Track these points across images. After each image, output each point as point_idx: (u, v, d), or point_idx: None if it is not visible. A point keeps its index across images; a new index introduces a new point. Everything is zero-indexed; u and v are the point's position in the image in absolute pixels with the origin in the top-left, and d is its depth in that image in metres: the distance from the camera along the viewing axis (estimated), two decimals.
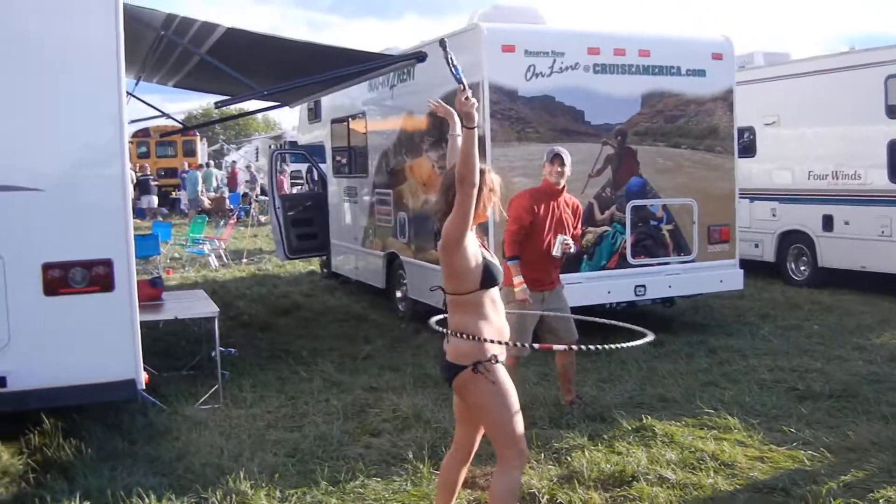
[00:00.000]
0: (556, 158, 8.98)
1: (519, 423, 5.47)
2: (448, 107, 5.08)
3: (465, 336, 5.32)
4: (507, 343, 5.49)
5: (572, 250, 9.04)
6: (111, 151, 7.72)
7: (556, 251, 8.90)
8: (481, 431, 5.81)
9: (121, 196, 7.73)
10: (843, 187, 16.14)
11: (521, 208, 8.91)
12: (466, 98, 5.04)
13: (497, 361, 5.39)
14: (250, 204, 38.12)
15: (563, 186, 9.13)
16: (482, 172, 5.32)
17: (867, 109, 15.58)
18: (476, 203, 5.23)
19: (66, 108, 7.64)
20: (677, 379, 10.24)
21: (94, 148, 7.79)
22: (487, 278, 5.39)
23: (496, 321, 5.49)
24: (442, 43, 5.20)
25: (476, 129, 5.12)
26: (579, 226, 9.46)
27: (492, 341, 5.33)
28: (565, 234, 8.99)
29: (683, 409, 9.09)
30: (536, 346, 6.40)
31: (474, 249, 5.35)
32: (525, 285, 8.80)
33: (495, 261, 5.51)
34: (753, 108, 17.02)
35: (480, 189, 5.27)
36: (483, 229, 10.73)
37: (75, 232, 7.64)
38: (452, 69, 5.07)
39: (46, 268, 7.53)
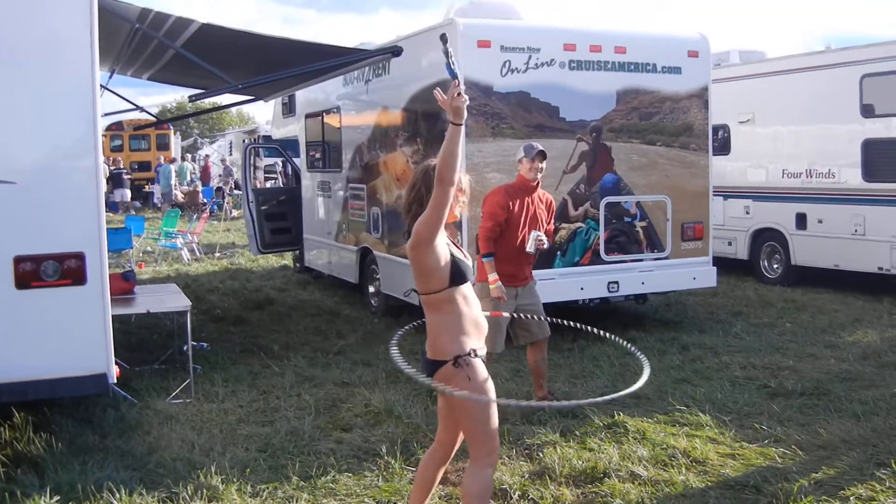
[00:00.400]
0: (539, 155, 8.96)
1: (494, 421, 5.47)
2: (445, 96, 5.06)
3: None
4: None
5: (546, 246, 9.04)
6: (84, 144, 7.65)
7: (529, 247, 8.89)
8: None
9: (94, 189, 7.67)
10: (816, 186, 16.21)
11: (495, 205, 8.90)
12: (459, 94, 5.02)
13: (476, 356, 5.39)
14: (223, 198, 38.00)
15: (538, 182, 9.13)
16: None
17: (842, 108, 15.65)
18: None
19: (39, 100, 7.56)
20: (649, 376, 10.23)
21: (67, 140, 7.71)
22: (456, 275, 5.37)
23: (471, 316, 5.47)
24: (443, 37, 5.16)
25: (463, 127, 5.11)
26: (552, 221, 9.46)
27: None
28: (539, 230, 8.99)
29: (655, 406, 9.11)
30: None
31: (443, 248, 5.34)
32: (500, 282, 8.80)
33: (465, 258, 5.50)
34: (728, 106, 17.09)
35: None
36: (456, 226, 10.73)
37: (47, 225, 7.57)
38: (450, 63, 5.06)
39: (18, 261, 7.46)
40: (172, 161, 42.78)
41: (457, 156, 5.08)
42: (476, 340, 5.43)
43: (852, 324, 13.30)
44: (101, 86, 13.12)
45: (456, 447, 5.93)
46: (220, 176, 44.24)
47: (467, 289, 5.48)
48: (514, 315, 8.64)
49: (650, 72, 12.55)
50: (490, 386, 5.44)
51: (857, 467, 7.29)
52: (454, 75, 5.02)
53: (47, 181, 7.59)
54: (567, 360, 11.06)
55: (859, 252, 15.43)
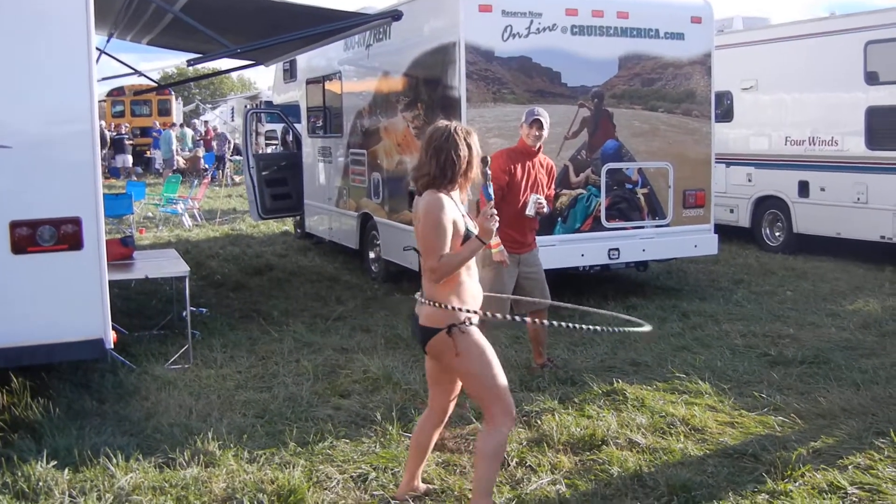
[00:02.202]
0: (535, 123, 8.91)
1: (502, 381, 5.49)
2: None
3: (437, 304, 5.30)
4: (489, 315, 5.48)
5: (546, 210, 8.99)
6: (80, 108, 7.59)
7: (529, 210, 8.84)
8: (455, 394, 5.83)
9: (90, 153, 7.61)
10: (819, 153, 16.14)
11: (497, 169, 8.83)
12: (491, 215, 5.25)
13: (471, 323, 5.37)
14: (223, 165, 37.93)
15: (540, 147, 9.09)
16: (469, 147, 5.40)
17: (846, 76, 15.57)
18: (463, 180, 5.42)
19: (34, 63, 7.49)
20: (649, 343, 10.23)
21: (63, 104, 7.64)
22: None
23: (470, 286, 5.48)
24: (484, 160, 5.42)
25: (483, 246, 5.39)
26: (552, 187, 9.41)
27: (467, 310, 5.34)
28: (540, 194, 8.94)
29: (655, 374, 9.09)
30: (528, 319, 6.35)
31: (451, 224, 5.33)
32: (502, 246, 8.75)
33: (475, 229, 5.46)
34: (731, 73, 16.98)
35: (468, 167, 5.41)
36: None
37: (44, 190, 7.53)
38: (487, 185, 5.40)
39: (14, 226, 7.43)
40: (172, 126, 42.59)
41: (459, 267, 5.32)
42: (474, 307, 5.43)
43: (853, 292, 13.26)
44: (99, 50, 13.05)
45: (449, 412, 5.99)
46: (215, 143, 43.76)
47: (472, 260, 5.46)
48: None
49: (653, 37, 12.46)
50: (489, 353, 5.43)
51: (855, 436, 7.26)
52: (489, 197, 5.32)
53: (43, 145, 7.54)
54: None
55: (861, 220, 15.38)
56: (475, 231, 5.40)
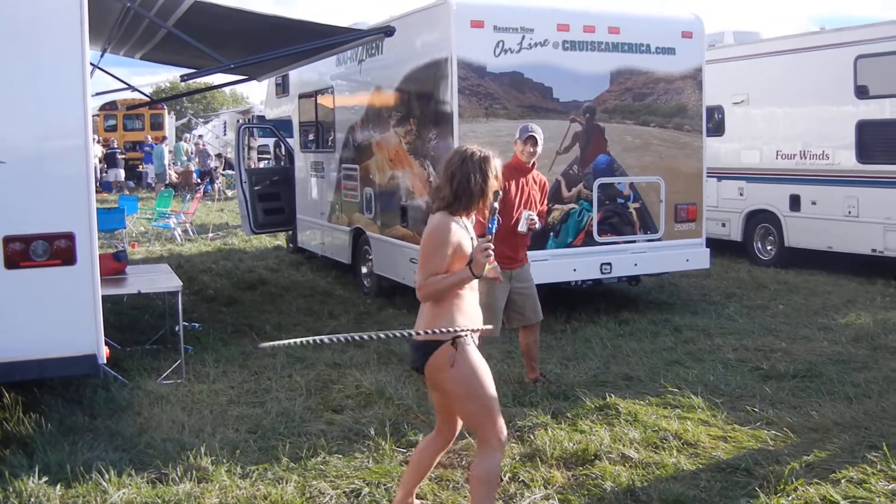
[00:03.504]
0: (530, 139, 8.94)
1: (492, 405, 5.47)
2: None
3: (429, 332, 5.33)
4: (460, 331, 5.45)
5: (538, 226, 9.01)
6: (74, 123, 7.60)
7: (521, 227, 8.85)
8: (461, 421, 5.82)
9: (83, 169, 7.62)
10: (810, 167, 16.19)
11: None
12: (486, 249, 5.22)
13: (472, 341, 5.44)
14: (211, 181, 37.93)
15: (534, 164, 9.11)
16: (484, 175, 5.42)
17: (836, 90, 15.63)
18: (480, 206, 5.45)
19: (28, 78, 7.50)
20: (642, 357, 10.25)
21: (57, 120, 7.64)
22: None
23: (472, 303, 5.53)
24: (496, 194, 5.40)
25: (473, 279, 5.39)
26: (545, 203, 9.43)
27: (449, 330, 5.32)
28: (532, 210, 8.96)
29: (647, 388, 9.10)
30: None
31: (462, 248, 5.39)
32: (496, 263, 8.75)
33: None
34: (722, 87, 17.04)
35: (482, 195, 5.43)
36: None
37: (37, 205, 7.53)
38: (491, 220, 5.33)
39: (7, 241, 7.43)
40: (163, 140, 42.53)
41: (445, 293, 5.34)
42: (471, 325, 5.44)
43: (845, 306, 13.29)
44: (93, 65, 13.06)
45: (455, 436, 5.95)
46: (196, 159, 43.29)
47: (475, 281, 5.46)
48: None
49: (644, 52, 12.50)
50: (484, 370, 5.43)
51: (848, 450, 7.28)
52: (490, 231, 5.30)
53: (37, 161, 7.55)
54: (559, 341, 11.04)
55: (853, 234, 15.42)
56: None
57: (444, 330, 5.26)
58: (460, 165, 5.40)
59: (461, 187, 5.35)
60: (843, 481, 6.64)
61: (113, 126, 46.80)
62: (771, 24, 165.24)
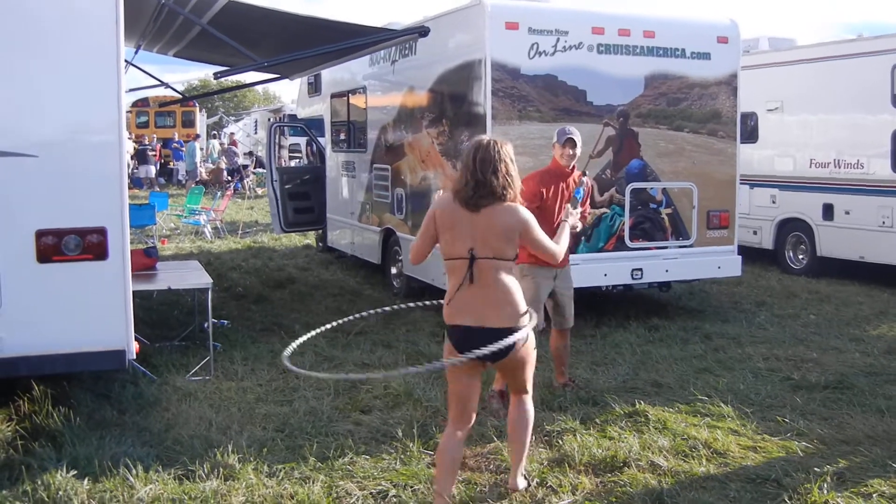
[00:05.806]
0: (569, 142, 8.86)
1: None
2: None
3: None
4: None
5: (577, 229, 8.93)
6: (108, 119, 7.65)
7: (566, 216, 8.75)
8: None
9: (116, 164, 7.66)
10: (844, 176, 16.06)
11: (528, 192, 8.74)
12: (582, 215, 6.75)
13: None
14: (240, 180, 38.01)
15: (573, 167, 9.05)
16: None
17: (872, 98, 15.49)
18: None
19: (63, 74, 7.55)
20: (671, 364, 10.19)
21: (91, 115, 7.69)
22: None
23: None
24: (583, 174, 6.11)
25: (572, 229, 7.01)
26: (588, 204, 9.32)
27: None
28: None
29: (677, 396, 9.04)
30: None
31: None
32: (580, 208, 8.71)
33: None
34: (757, 94, 16.91)
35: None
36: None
37: (70, 199, 7.58)
38: (577, 190, 6.80)
39: (40, 235, 7.48)
40: (196, 138, 42.68)
41: (562, 247, 6.56)
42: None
43: (877, 317, 13.18)
44: (126, 61, 13.10)
45: (471, 424, 6.34)
46: (234, 154, 43.19)
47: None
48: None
49: (679, 57, 12.44)
50: None
51: (880, 463, 7.19)
52: (577, 200, 7.14)
53: (70, 155, 7.59)
54: (589, 346, 11.00)
55: (886, 244, 15.27)
56: None
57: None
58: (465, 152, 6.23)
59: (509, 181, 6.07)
60: (874, 495, 6.58)
61: (145, 123, 47.11)
62: (807, 31, 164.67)
